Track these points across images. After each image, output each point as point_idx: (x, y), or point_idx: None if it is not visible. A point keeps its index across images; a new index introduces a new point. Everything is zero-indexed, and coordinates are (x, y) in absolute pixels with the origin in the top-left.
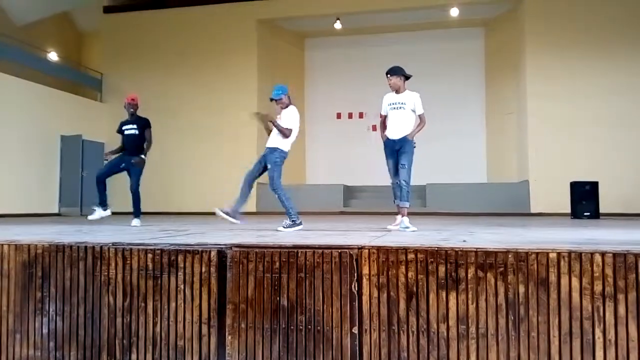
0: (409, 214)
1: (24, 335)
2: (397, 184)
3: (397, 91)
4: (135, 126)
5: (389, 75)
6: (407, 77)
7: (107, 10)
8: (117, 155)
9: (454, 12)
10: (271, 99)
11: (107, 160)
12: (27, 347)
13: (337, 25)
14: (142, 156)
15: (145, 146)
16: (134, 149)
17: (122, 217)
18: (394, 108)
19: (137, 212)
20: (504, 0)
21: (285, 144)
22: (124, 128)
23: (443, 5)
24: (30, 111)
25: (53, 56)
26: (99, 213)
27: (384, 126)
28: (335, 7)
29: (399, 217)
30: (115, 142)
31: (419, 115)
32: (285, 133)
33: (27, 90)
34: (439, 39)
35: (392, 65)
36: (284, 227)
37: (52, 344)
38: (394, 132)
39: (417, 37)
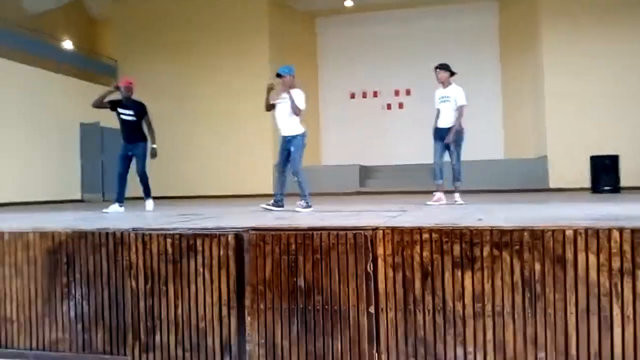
0: (423, 192)
1: (52, 319)
2: (440, 166)
3: (444, 85)
4: (132, 112)
5: (437, 69)
6: (452, 73)
7: None
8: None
9: None
10: (278, 75)
11: (114, 88)
12: (55, 330)
13: (348, 2)
14: (154, 146)
15: (148, 134)
16: (133, 135)
17: (137, 202)
18: (443, 101)
19: (148, 194)
20: None
21: (299, 128)
22: (120, 110)
23: None
24: (49, 100)
25: (68, 44)
26: (114, 208)
27: (437, 117)
28: None
29: (437, 194)
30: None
31: (459, 107)
32: (296, 112)
33: (45, 79)
34: (452, 15)
35: (441, 62)
36: (302, 208)
37: (79, 326)
38: (443, 122)
39: (430, 13)
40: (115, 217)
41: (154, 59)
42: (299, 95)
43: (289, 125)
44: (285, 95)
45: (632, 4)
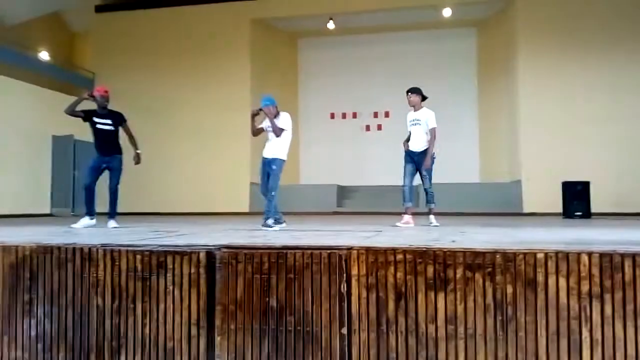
0: (399, 213)
1: (12, 337)
2: (410, 188)
3: (415, 109)
4: (110, 121)
5: (409, 93)
6: (424, 97)
7: (99, 9)
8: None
9: (447, 12)
10: (260, 109)
11: (88, 97)
12: (14, 349)
13: (330, 25)
14: (138, 151)
15: (130, 141)
16: (110, 146)
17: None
18: (413, 124)
19: (114, 212)
20: (496, 0)
21: (283, 153)
22: (96, 120)
23: (435, 5)
24: (22, 111)
25: (44, 56)
26: (84, 222)
27: (407, 140)
28: (329, 7)
29: (406, 216)
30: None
31: (431, 129)
32: (276, 132)
33: (19, 90)
34: (431, 39)
35: (412, 86)
36: (274, 225)
37: (40, 345)
38: (414, 145)
39: (410, 37)
40: (85, 231)
41: (132, 73)
42: (283, 118)
43: (274, 148)
44: (268, 122)
45: (606, 30)
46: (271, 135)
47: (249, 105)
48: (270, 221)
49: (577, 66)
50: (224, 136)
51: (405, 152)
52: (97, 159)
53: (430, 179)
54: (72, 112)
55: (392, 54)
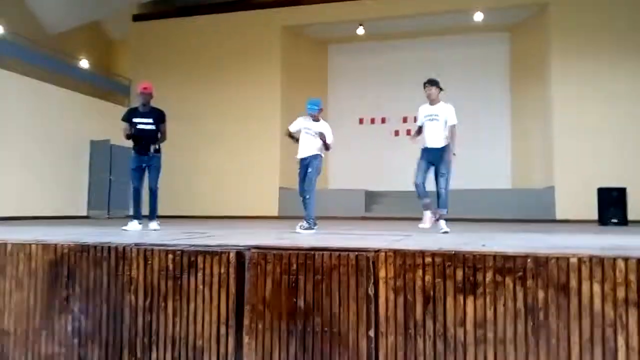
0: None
1: (50, 332)
2: (423, 186)
3: (432, 102)
4: (151, 120)
5: (427, 85)
6: (441, 89)
7: (136, 18)
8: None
9: (478, 17)
10: (309, 114)
11: (131, 132)
12: (52, 344)
13: (360, 31)
14: (157, 147)
15: (160, 139)
16: (150, 145)
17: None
18: (430, 119)
19: (154, 214)
20: (529, 5)
21: (319, 148)
22: (136, 120)
23: (467, 10)
24: (61, 116)
25: (84, 64)
26: (134, 225)
27: (417, 134)
28: (359, 13)
29: (426, 213)
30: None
31: (451, 126)
32: (328, 148)
33: (59, 96)
34: (463, 44)
35: (429, 77)
36: (303, 229)
37: (76, 341)
38: (433, 141)
39: (442, 42)
40: (128, 232)
41: (166, 80)
42: (328, 131)
43: (309, 149)
44: (310, 125)
45: None
46: (306, 137)
47: (279, 110)
48: (304, 224)
49: (610, 71)
50: (255, 141)
51: (423, 149)
52: (136, 159)
53: (448, 179)
54: (127, 136)
55: (423, 60)
